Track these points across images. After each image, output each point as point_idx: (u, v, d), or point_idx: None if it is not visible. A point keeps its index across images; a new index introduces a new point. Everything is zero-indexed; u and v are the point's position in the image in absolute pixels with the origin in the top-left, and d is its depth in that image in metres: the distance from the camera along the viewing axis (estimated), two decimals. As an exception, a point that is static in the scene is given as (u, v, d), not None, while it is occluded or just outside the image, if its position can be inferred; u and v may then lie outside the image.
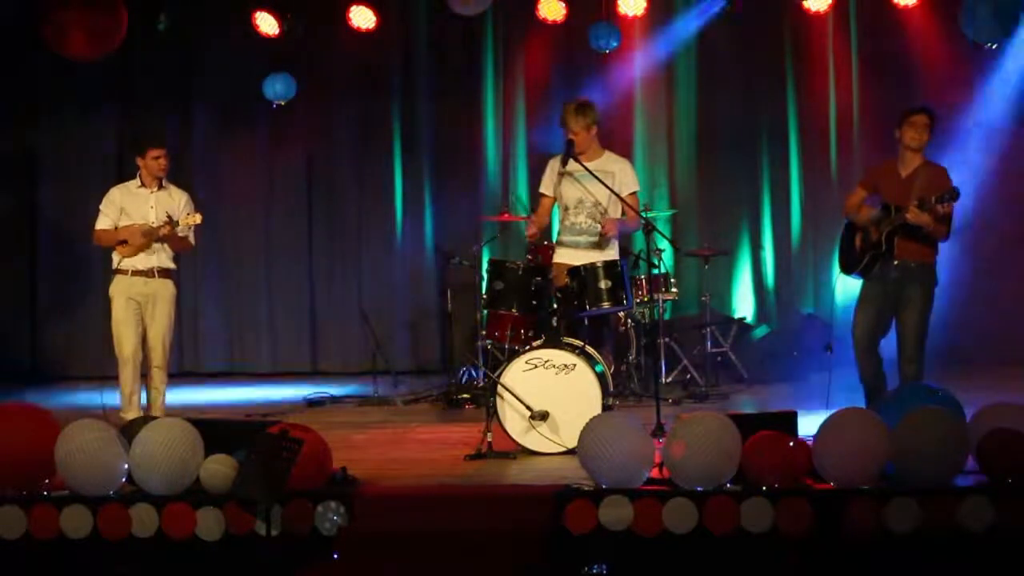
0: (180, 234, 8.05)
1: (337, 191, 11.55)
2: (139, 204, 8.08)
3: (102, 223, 8.11)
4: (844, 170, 10.81)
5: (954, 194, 7.12)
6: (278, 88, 10.59)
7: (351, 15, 10.68)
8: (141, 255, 8.00)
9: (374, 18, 10.70)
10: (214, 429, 6.26)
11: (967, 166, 9.94)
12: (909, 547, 5.62)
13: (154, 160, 8.07)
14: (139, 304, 8.02)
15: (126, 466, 6.10)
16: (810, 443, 5.91)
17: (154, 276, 8.03)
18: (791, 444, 5.88)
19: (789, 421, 6.22)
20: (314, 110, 11.25)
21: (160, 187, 8.14)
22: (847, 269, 7.66)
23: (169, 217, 7.96)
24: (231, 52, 11.08)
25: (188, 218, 8.04)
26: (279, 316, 11.61)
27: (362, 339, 10.97)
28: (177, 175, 11.26)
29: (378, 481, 6.37)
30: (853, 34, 10.89)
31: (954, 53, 10.31)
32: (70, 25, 9.70)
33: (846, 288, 8.78)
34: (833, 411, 6.01)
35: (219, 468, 5.97)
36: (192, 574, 5.95)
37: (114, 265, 8.06)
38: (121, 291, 8.02)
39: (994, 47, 9.26)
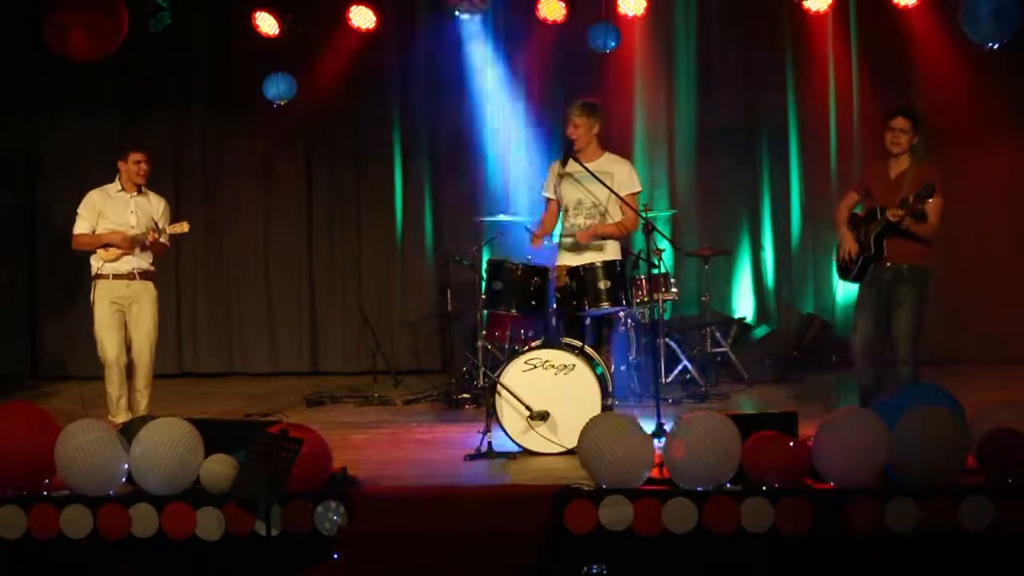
0: (163, 241, 8.09)
1: (337, 191, 11.52)
2: (118, 208, 8.06)
3: (80, 227, 8.07)
4: (844, 170, 10.79)
5: (930, 190, 7.07)
6: (279, 88, 10.57)
7: (351, 15, 10.65)
8: (121, 259, 7.98)
9: (374, 18, 10.67)
10: (214, 429, 6.27)
11: (963, 165, 9.94)
12: (909, 547, 5.63)
13: (135, 164, 8.05)
14: (122, 308, 8.01)
15: (126, 466, 6.11)
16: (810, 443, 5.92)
17: (135, 279, 8.02)
18: (791, 444, 5.89)
19: (789, 421, 6.23)
20: (314, 110, 11.23)
21: (139, 192, 8.13)
22: (844, 274, 7.64)
23: (156, 224, 7.97)
24: (231, 52, 11.05)
25: (175, 227, 8.07)
26: (279, 316, 11.58)
27: (362, 339, 10.95)
28: (177, 175, 11.36)
29: (378, 481, 6.38)
30: (853, 34, 10.86)
31: (954, 53, 10.29)
32: (70, 25, 9.68)
33: (846, 288, 8.78)
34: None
35: (219, 468, 5.98)
36: (192, 574, 5.95)
37: (94, 271, 8.03)
38: (103, 296, 7.97)
39: (994, 47, 9.23)
